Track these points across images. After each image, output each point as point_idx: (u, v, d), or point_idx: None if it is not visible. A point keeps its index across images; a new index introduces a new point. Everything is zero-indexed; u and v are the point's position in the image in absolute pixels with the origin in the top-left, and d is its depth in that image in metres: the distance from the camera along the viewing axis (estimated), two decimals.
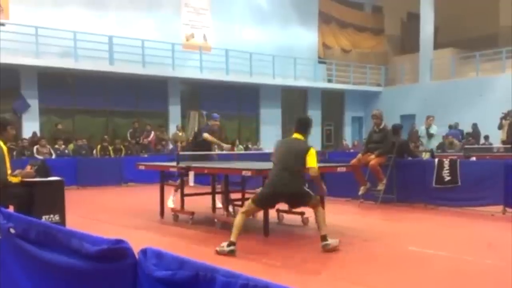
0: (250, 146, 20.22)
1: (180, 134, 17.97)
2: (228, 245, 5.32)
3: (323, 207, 6.03)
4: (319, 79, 23.74)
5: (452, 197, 8.65)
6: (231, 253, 5.28)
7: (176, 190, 8.98)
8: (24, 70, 16.36)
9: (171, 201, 8.77)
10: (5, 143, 5.92)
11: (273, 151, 5.97)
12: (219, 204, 8.63)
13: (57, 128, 16.58)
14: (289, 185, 5.55)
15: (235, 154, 12.30)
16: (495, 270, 4.81)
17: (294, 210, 7.48)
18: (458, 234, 6.84)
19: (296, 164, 5.60)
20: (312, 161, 5.63)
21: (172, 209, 8.09)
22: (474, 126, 18.82)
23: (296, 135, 5.93)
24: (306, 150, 5.66)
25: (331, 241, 5.52)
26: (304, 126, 6.01)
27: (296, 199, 5.78)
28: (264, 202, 5.76)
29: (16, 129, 11.48)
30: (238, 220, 5.55)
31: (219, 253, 5.31)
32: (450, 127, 18.48)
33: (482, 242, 6.16)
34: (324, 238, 5.50)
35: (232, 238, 5.36)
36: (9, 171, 5.80)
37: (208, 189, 8.74)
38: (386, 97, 24.29)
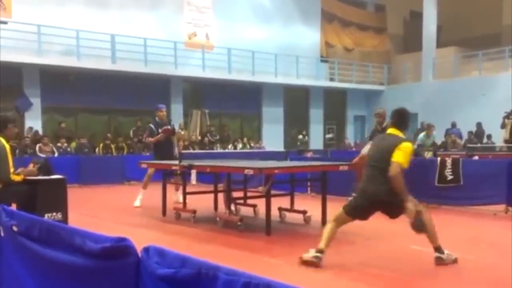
0: (252, 144, 20.22)
1: (183, 132, 17.98)
2: (316, 252, 4.84)
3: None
4: (321, 77, 23.72)
5: (454, 196, 8.64)
6: (316, 260, 4.79)
7: (177, 189, 9.02)
8: (27, 69, 16.38)
9: (139, 200, 9.18)
10: (7, 141, 5.93)
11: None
12: (178, 197, 8.77)
13: (60, 127, 16.61)
14: (382, 190, 4.76)
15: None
16: (497, 269, 4.80)
17: (296, 208, 7.49)
18: (460, 233, 6.83)
19: (388, 164, 4.72)
20: (398, 156, 4.71)
21: (174, 207, 8.10)
22: (478, 125, 18.79)
23: (391, 130, 5.16)
24: (398, 143, 4.80)
25: (447, 254, 4.87)
26: (401, 119, 5.20)
27: (393, 207, 4.89)
28: (356, 212, 4.99)
29: (18, 128, 11.50)
30: (327, 228, 5.03)
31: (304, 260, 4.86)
32: (454, 125, 18.46)
33: (484, 241, 6.15)
34: (438, 249, 4.87)
35: (321, 246, 4.85)
36: (11, 170, 5.81)
37: (210, 187, 8.75)
38: (388, 96, 24.26)
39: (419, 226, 4.78)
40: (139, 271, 2.00)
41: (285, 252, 5.54)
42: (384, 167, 4.72)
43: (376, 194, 4.78)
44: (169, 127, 9.54)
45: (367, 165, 4.98)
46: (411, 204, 4.76)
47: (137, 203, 9.26)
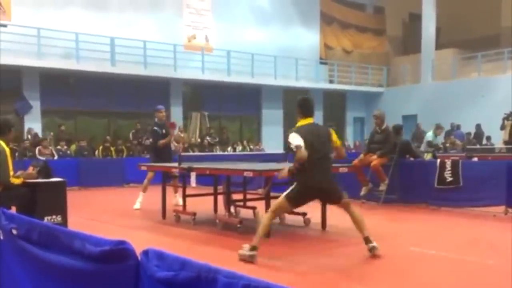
0: (252, 146, 20.22)
1: (182, 135, 17.99)
2: (251, 250, 4.95)
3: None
4: (320, 79, 23.74)
5: (454, 197, 8.64)
6: (251, 259, 4.91)
7: (176, 191, 9.03)
8: (26, 71, 16.39)
9: (138, 203, 9.22)
10: (7, 145, 5.93)
11: (299, 141, 4.99)
12: (180, 201, 8.79)
13: (60, 130, 16.62)
14: (330, 179, 5.10)
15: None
16: (497, 271, 4.81)
17: (296, 210, 7.48)
18: (460, 234, 6.83)
19: (330, 152, 5.15)
20: (338, 140, 5.33)
21: (174, 210, 8.10)
22: (478, 126, 18.81)
23: (310, 120, 5.36)
24: (329, 131, 5.29)
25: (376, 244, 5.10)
26: (312, 108, 5.48)
27: (333, 194, 5.25)
28: (299, 201, 5.20)
29: (18, 130, 11.51)
30: (265, 219, 5.16)
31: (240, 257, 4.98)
32: (458, 127, 18.47)
33: (484, 242, 6.15)
34: (368, 240, 5.12)
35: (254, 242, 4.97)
36: (11, 173, 5.81)
37: (210, 189, 8.75)
38: (387, 97, 24.28)
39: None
40: (138, 274, 2.00)
41: (285, 254, 5.53)
42: (330, 157, 5.12)
43: (324, 182, 5.05)
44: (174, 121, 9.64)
45: (311, 158, 4.95)
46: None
47: (136, 205, 9.28)
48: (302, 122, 5.29)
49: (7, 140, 6.00)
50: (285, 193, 5.15)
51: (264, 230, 5.09)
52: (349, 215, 5.27)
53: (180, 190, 8.69)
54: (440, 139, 14.53)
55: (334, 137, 5.29)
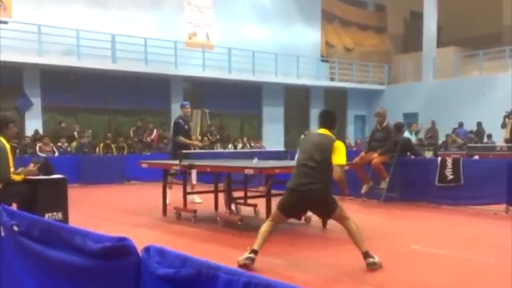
0: (252, 144, 20.22)
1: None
2: (250, 253, 4.77)
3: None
4: (321, 77, 23.72)
5: (454, 195, 8.64)
6: (249, 261, 4.72)
7: (170, 188, 8.91)
8: (27, 68, 16.38)
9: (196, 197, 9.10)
10: (7, 141, 5.93)
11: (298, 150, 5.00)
12: (197, 199, 8.84)
13: (61, 127, 16.63)
14: (316, 188, 4.82)
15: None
16: (497, 269, 4.81)
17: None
18: (461, 232, 6.83)
19: (322, 162, 4.85)
20: (339, 157, 4.90)
21: (175, 207, 8.10)
22: (479, 125, 18.80)
23: (321, 131, 5.22)
24: (332, 142, 4.94)
25: (377, 259, 4.78)
26: (329, 121, 5.27)
27: (322, 207, 4.99)
28: (288, 210, 4.99)
29: (18, 127, 11.50)
30: (263, 228, 4.99)
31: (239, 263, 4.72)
32: (460, 125, 18.48)
33: (484, 240, 6.15)
34: (367, 255, 4.76)
35: (255, 246, 4.82)
36: (12, 169, 5.81)
37: (210, 187, 8.75)
38: (389, 95, 24.26)
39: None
40: (139, 271, 2.00)
41: (285, 251, 5.54)
42: (318, 166, 4.82)
43: (310, 192, 4.80)
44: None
45: (298, 164, 4.95)
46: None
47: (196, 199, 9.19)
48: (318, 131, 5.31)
49: (7, 137, 5.99)
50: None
51: (263, 238, 4.90)
52: (345, 229, 4.99)
53: (173, 186, 8.70)
54: (417, 134, 14.56)
55: (336, 153, 4.93)
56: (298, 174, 4.90)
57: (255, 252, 4.75)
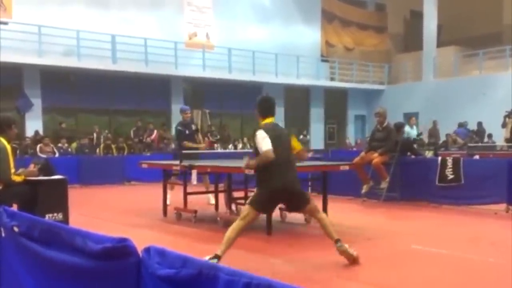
0: (252, 144, 20.20)
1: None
2: (212, 258, 4.48)
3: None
4: (322, 77, 23.72)
5: (455, 195, 8.63)
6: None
7: (171, 189, 8.93)
8: (27, 69, 16.40)
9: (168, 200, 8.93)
10: (8, 142, 5.93)
11: (268, 142, 4.80)
12: (212, 200, 8.82)
13: (61, 127, 16.64)
14: (295, 181, 4.95)
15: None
16: (498, 268, 4.80)
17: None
18: (461, 232, 6.83)
19: (290, 153, 5.01)
20: (297, 144, 5.24)
21: (175, 207, 8.10)
22: (479, 124, 18.80)
23: (272, 119, 5.12)
24: (289, 135, 5.16)
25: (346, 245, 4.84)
26: (272, 107, 5.20)
27: (298, 199, 5.01)
28: (265, 206, 4.97)
29: (19, 128, 11.50)
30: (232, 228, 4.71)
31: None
32: (461, 124, 18.48)
33: (485, 240, 6.15)
34: (338, 241, 4.80)
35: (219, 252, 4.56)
36: (12, 170, 5.81)
37: (211, 187, 8.75)
38: (389, 95, 24.26)
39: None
40: (140, 272, 2.00)
41: (286, 252, 5.54)
42: (289, 157, 4.93)
43: (288, 184, 4.85)
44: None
45: (275, 160, 4.73)
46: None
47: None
48: (265, 121, 5.08)
49: (8, 138, 5.99)
50: (248, 200, 5.03)
51: (229, 243, 4.63)
52: (317, 221, 4.99)
53: (175, 187, 8.71)
54: (417, 129, 14.69)
55: (294, 142, 5.21)
56: (282, 172, 4.80)
57: (218, 257, 4.51)
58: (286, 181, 4.84)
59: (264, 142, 4.79)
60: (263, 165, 4.81)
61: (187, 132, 9.63)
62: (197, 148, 9.64)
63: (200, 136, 10.42)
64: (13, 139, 7.25)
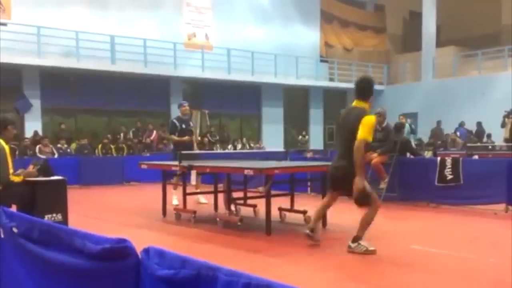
0: (252, 145, 20.23)
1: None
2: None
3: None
4: (321, 78, 23.73)
5: (454, 195, 8.63)
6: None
7: (174, 189, 8.99)
8: (26, 70, 16.39)
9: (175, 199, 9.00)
10: (6, 143, 5.92)
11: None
12: (202, 200, 8.87)
13: (61, 128, 16.63)
14: (341, 167, 4.79)
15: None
16: (498, 268, 4.80)
17: (296, 208, 7.47)
18: (461, 232, 6.83)
19: (349, 139, 4.68)
20: (362, 132, 4.68)
21: (175, 208, 8.10)
22: (478, 124, 18.81)
23: (355, 103, 5.03)
24: (361, 117, 4.71)
25: (364, 244, 5.05)
26: (363, 90, 5.00)
27: (342, 184, 4.88)
28: (329, 185, 5.32)
29: (18, 129, 11.50)
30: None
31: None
32: (461, 124, 18.52)
33: (484, 240, 6.15)
34: (357, 238, 5.05)
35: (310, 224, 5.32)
36: (11, 171, 5.81)
37: (210, 188, 8.74)
38: (388, 95, 24.26)
39: (362, 200, 4.98)
40: (139, 272, 1.99)
41: (285, 252, 5.53)
42: (345, 142, 4.80)
43: (335, 172, 4.92)
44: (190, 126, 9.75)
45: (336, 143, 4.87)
46: (363, 181, 4.85)
47: (174, 202, 9.13)
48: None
49: (6, 138, 5.99)
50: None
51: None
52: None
53: (179, 187, 8.71)
54: (408, 128, 14.84)
55: (362, 126, 4.79)
56: (335, 154, 5.15)
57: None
58: (332, 164, 5.27)
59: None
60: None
61: (183, 126, 9.58)
62: (181, 142, 9.54)
63: (194, 137, 10.32)
64: (11, 140, 7.24)
